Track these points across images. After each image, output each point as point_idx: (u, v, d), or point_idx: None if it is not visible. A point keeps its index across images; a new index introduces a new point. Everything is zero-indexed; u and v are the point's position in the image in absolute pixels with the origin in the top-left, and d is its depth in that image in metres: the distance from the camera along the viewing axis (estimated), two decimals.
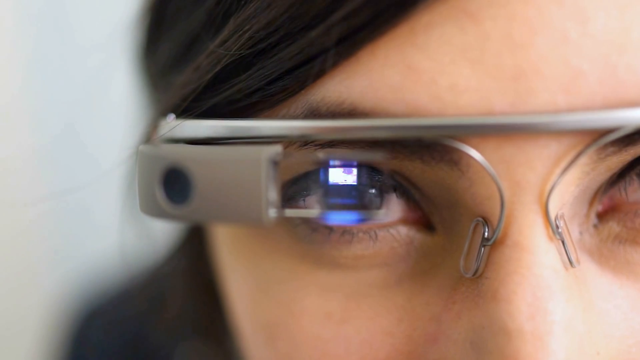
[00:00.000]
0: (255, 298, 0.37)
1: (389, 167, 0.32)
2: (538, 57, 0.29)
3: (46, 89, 1.02)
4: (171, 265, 0.56)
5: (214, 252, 0.43)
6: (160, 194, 0.31)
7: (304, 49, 0.30)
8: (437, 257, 0.34)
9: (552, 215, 0.30)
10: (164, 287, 0.57)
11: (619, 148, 0.30)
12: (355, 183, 0.32)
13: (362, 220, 0.32)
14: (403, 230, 0.34)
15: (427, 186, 0.33)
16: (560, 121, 0.29)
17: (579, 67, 0.29)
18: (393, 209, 0.34)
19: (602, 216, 0.33)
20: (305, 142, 0.32)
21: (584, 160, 0.30)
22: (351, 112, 0.30)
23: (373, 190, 0.33)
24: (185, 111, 0.34)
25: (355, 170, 0.32)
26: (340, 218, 0.32)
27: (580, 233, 0.32)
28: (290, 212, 0.32)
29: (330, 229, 0.34)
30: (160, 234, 0.54)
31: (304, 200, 0.34)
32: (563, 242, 0.31)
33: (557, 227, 0.31)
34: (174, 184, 0.31)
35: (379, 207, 0.33)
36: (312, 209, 0.34)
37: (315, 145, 0.32)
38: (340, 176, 0.32)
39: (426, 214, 0.34)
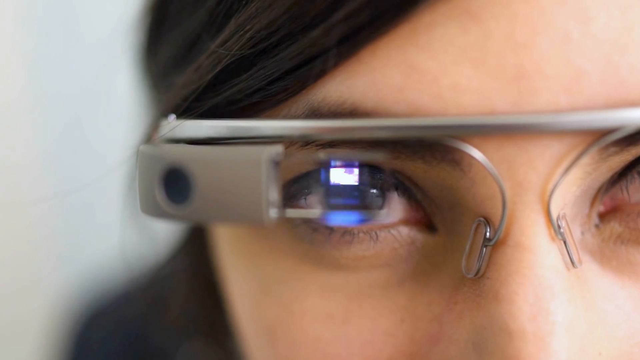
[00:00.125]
0: (256, 298, 0.37)
1: (390, 167, 0.32)
2: (540, 57, 0.29)
3: (49, 88, 1.02)
4: (173, 266, 0.56)
5: (215, 252, 0.43)
6: (160, 194, 0.31)
7: (305, 48, 0.30)
8: (438, 257, 0.33)
9: (554, 215, 0.30)
10: (166, 288, 0.57)
11: (621, 148, 0.30)
12: (356, 183, 0.32)
13: (363, 221, 0.32)
14: (404, 231, 0.34)
15: (428, 186, 0.33)
16: (562, 121, 0.29)
17: (581, 67, 0.29)
18: (395, 208, 0.33)
19: (604, 216, 0.33)
20: (306, 142, 0.32)
21: (585, 160, 0.30)
22: (352, 112, 0.30)
23: (374, 191, 0.33)
24: (186, 111, 0.34)
25: (356, 171, 0.32)
26: (341, 218, 0.32)
27: (582, 233, 0.32)
28: (291, 213, 0.32)
29: (330, 229, 0.34)
30: (162, 234, 0.54)
31: (305, 199, 0.34)
32: (565, 242, 0.31)
33: (559, 227, 0.31)
34: (174, 184, 0.31)
35: (380, 207, 0.33)
36: (313, 209, 0.33)
37: (317, 146, 0.32)
38: (342, 176, 0.32)
39: (428, 214, 0.34)
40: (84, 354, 0.69)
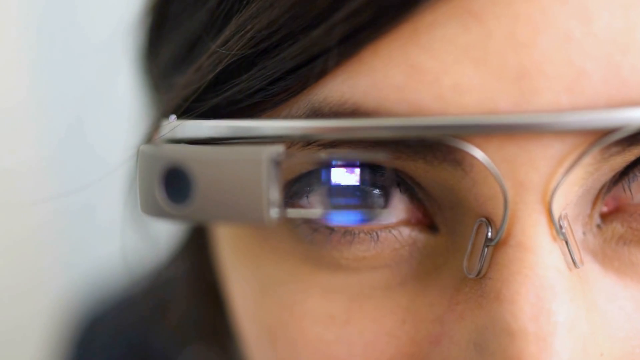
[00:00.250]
0: (257, 300, 0.37)
1: (391, 167, 0.32)
2: (542, 56, 0.29)
3: (52, 91, 1.02)
4: (174, 269, 0.56)
5: (216, 253, 0.43)
6: (160, 194, 0.31)
7: (306, 48, 0.30)
8: (440, 257, 0.33)
9: (556, 215, 0.30)
10: (167, 291, 0.57)
11: (623, 148, 0.30)
12: (357, 183, 0.32)
13: (364, 221, 0.32)
14: (405, 232, 0.34)
15: (430, 186, 0.33)
16: (564, 121, 0.29)
17: (582, 67, 0.29)
18: (396, 208, 0.33)
19: (606, 217, 0.33)
20: (307, 142, 0.32)
21: (587, 160, 0.30)
22: (354, 112, 0.30)
23: (376, 190, 0.33)
24: (186, 111, 0.34)
25: (357, 170, 0.32)
26: (342, 218, 0.32)
27: (584, 233, 0.32)
28: (292, 213, 0.32)
29: (331, 229, 0.34)
30: (163, 237, 0.54)
31: (307, 197, 0.34)
32: (567, 243, 0.31)
33: (561, 227, 0.30)
34: (174, 184, 0.31)
35: (382, 207, 0.33)
36: (314, 209, 0.33)
37: (318, 146, 0.32)
38: (343, 176, 0.32)
39: (429, 214, 0.34)
40: (86, 357, 0.69)
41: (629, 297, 0.32)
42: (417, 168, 0.32)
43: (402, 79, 0.30)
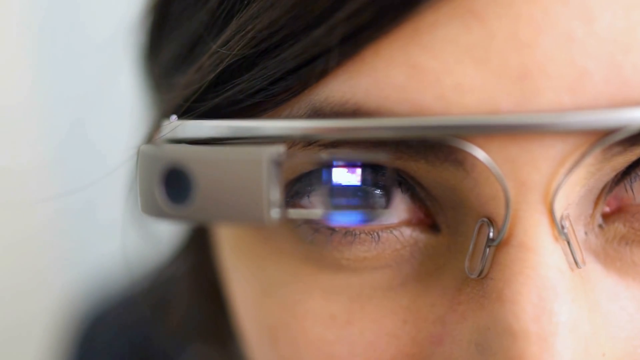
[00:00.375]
0: (258, 300, 0.37)
1: (393, 167, 0.32)
2: (543, 56, 0.29)
3: (54, 91, 1.03)
4: (176, 267, 0.56)
5: (217, 253, 0.43)
6: (160, 194, 0.31)
7: (307, 48, 0.30)
8: (441, 258, 0.33)
9: (558, 215, 0.30)
10: (169, 291, 0.57)
11: (625, 148, 0.30)
12: (359, 183, 0.32)
13: (366, 221, 0.32)
14: (407, 232, 0.34)
15: (431, 186, 0.32)
16: (566, 121, 0.29)
17: (584, 67, 0.29)
18: (398, 208, 0.33)
19: (608, 217, 0.32)
20: (308, 142, 0.32)
21: (589, 160, 0.30)
22: (355, 112, 0.30)
23: (377, 191, 0.33)
24: (187, 111, 0.34)
25: (359, 171, 0.32)
26: (344, 219, 0.32)
27: (586, 233, 0.32)
28: (292, 213, 0.32)
29: (332, 229, 0.34)
30: (165, 236, 0.54)
31: (308, 197, 0.34)
32: (568, 243, 0.31)
33: (563, 227, 0.30)
34: (174, 184, 0.31)
35: (383, 207, 0.33)
36: (315, 210, 0.33)
37: (319, 146, 0.32)
38: (344, 176, 0.32)
39: (431, 214, 0.34)
40: (88, 356, 0.69)
41: (630, 297, 0.32)
42: (418, 168, 0.32)
43: (404, 79, 0.29)
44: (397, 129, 0.30)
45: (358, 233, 0.33)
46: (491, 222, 0.31)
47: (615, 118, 0.29)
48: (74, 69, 1.00)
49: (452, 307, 0.32)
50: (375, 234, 0.33)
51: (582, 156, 0.30)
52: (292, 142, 0.32)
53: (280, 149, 0.30)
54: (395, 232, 0.33)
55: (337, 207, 0.32)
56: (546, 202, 0.30)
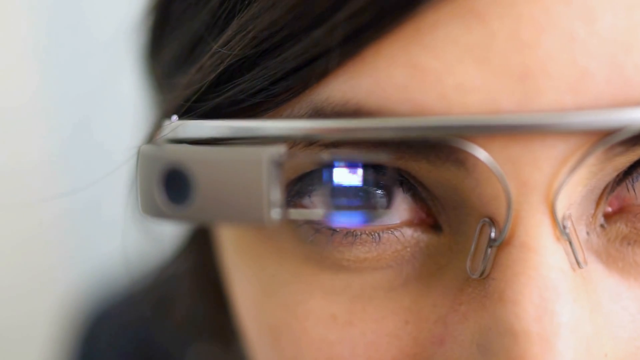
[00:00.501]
0: (259, 300, 0.37)
1: (394, 167, 0.32)
2: (545, 56, 0.28)
3: (59, 90, 1.03)
4: (178, 266, 0.56)
5: (219, 253, 0.43)
6: (160, 195, 0.31)
7: (308, 48, 0.30)
8: (443, 258, 0.33)
9: (559, 215, 0.30)
10: (171, 290, 0.57)
11: (627, 148, 0.30)
12: (360, 183, 0.32)
13: (367, 222, 0.32)
14: (408, 232, 0.33)
15: (433, 186, 0.32)
16: (568, 121, 0.29)
17: (586, 67, 0.28)
18: (399, 208, 0.33)
19: (610, 217, 0.32)
20: (309, 142, 0.32)
21: (591, 160, 0.30)
22: (356, 112, 0.30)
23: (379, 191, 0.33)
24: (188, 111, 0.34)
25: (360, 171, 0.31)
26: (345, 219, 0.32)
27: (588, 233, 0.32)
28: (293, 214, 0.32)
29: (333, 230, 0.34)
30: (167, 235, 0.54)
31: (309, 197, 0.34)
32: (570, 243, 0.30)
33: (564, 227, 0.30)
34: (175, 184, 0.31)
35: (385, 208, 0.33)
36: (316, 210, 0.33)
37: (320, 146, 0.32)
38: (345, 177, 0.32)
39: (433, 213, 0.33)
40: (92, 354, 0.69)
41: (632, 297, 0.32)
42: (420, 168, 0.32)
43: (405, 78, 0.29)
44: (399, 129, 0.30)
45: (359, 234, 0.33)
46: (493, 222, 0.31)
47: (616, 118, 0.29)
48: (80, 68, 1.00)
49: (454, 307, 0.32)
50: (376, 234, 0.33)
51: (584, 156, 0.30)
52: (293, 142, 0.32)
53: (280, 149, 0.30)
54: (397, 233, 0.33)
55: (338, 207, 0.31)
56: (548, 202, 0.30)
